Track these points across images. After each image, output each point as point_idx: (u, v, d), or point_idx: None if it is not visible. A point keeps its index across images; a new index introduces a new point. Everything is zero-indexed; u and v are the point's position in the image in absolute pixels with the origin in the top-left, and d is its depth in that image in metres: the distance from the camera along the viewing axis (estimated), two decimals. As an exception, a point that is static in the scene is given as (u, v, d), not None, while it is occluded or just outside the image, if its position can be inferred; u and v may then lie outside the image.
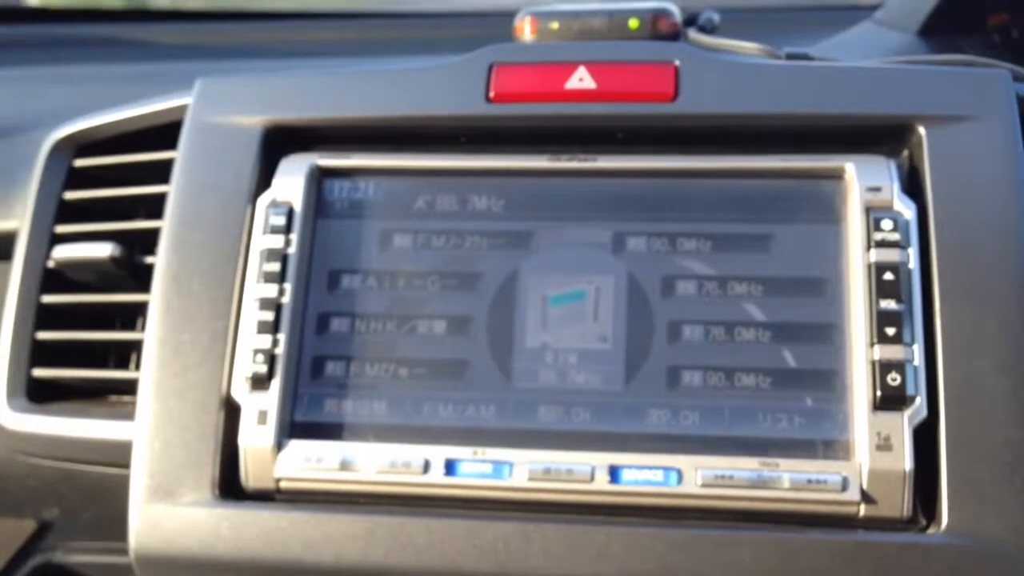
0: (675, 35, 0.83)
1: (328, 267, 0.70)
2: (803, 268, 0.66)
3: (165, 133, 0.79)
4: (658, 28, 0.82)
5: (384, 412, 0.67)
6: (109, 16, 1.32)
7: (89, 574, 0.94)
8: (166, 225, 0.71)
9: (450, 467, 0.64)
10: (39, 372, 0.79)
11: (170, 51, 1.26)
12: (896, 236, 0.64)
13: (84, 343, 0.80)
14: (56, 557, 0.92)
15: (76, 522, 0.90)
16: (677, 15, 0.83)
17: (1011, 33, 1.10)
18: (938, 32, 1.07)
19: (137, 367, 0.77)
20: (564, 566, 0.62)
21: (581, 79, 0.70)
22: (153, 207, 0.78)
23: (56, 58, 1.23)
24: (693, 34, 0.87)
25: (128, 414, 0.70)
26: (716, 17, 0.89)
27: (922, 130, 0.66)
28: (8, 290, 0.81)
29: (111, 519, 0.73)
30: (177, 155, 0.73)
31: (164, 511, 0.66)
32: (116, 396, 0.79)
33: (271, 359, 0.67)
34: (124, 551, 0.67)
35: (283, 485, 0.66)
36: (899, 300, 0.63)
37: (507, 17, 0.88)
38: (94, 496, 0.83)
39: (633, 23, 0.82)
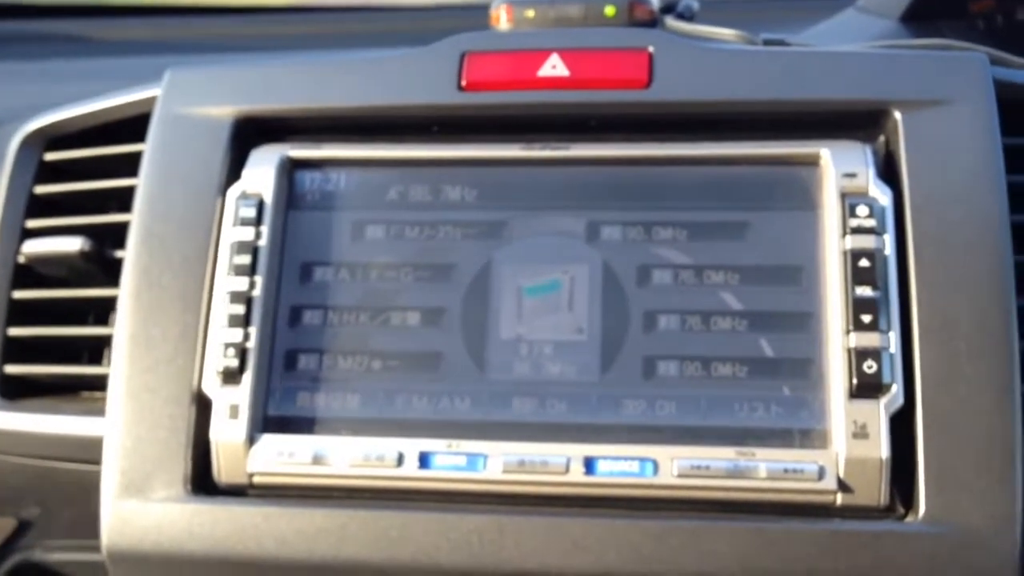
0: (652, 22, 0.82)
1: (300, 259, 0.69)
2: (779, 256, 0.65)
3: (136, 126, 0.78)
4: (635, 15, 0.81)
5: (357, 405, 0.66)
6: (78, 12, 1.30)
7: (69, 572, 0.93)
8: (135, 218, 0.71)
9: (424, 460, 0.64)
10: (10, 368, 0.78)
11: (140, 47, 1.24)
12: (872, 222, 0.63)
13: (56, 339, 0.79)
14: (35, 556, 0.91)
15: (55, 520, 0.89)
16: (654, 2, 0.82)
17: (995, 19, 1.09)
18: (921, 18, 1.07)
19: (110, 363, 0.76)
20: (539, 558, 0.61)
21: (554, 67, 0.70)
22: (124, 200, 0.77)
23: (24, 54, 1.22)
24: (671, 21, 0.87)
25: (101, 410, 0.69)
26: (695, 4, 0.89)
27: (898, 115, 0.66)
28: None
29: (90, 517, 0.72)
30: (146, 147, 0.73)
31: (136, 507, 0.65)
32: (89, 392, 0.78)
33: (242, 353, 0.66)
34: (102, 548, 0.67)
35: (256, 480, 0.65)
36: (875, 287, 0.62)
37: (482, 10, 0.87)
38: (72, 494, 0.82)
39: (610, 10, 0.81)
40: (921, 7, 1.06)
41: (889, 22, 1.08)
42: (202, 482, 0.66)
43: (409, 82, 0.71)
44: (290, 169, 0.71)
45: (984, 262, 0.62)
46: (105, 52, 1.24)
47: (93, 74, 1.11)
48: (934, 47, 0.75)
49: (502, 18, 0.83)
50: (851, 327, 0.61)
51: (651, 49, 0.70)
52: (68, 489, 0.81)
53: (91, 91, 0.85)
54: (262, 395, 0.67)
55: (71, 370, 0.78)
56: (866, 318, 0.61)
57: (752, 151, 0.67)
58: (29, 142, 0.83)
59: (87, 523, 0.77)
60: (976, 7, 1.10)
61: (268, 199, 0.69)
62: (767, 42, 0.78)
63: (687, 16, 0.88)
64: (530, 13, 0.82)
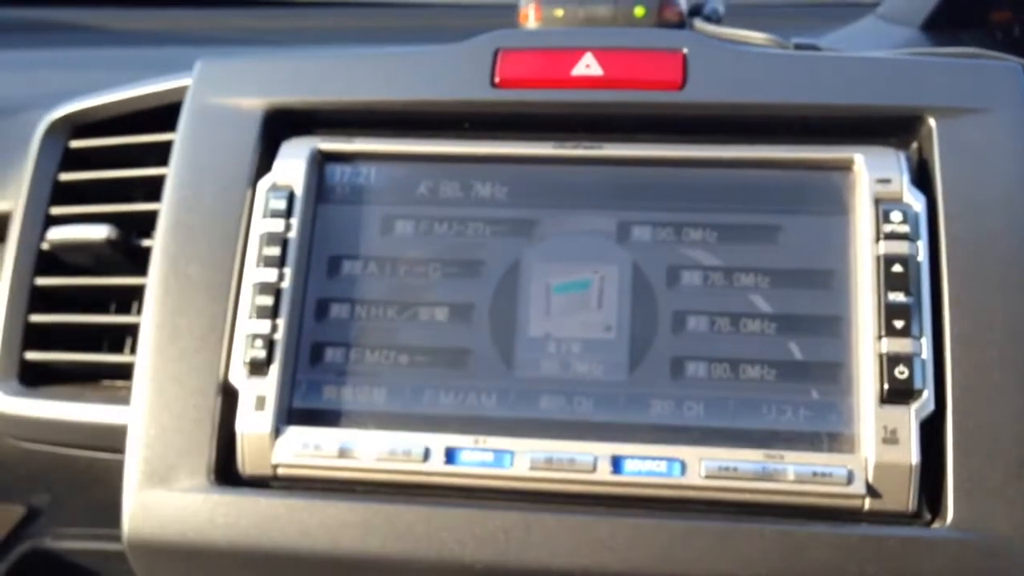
0: (681, 24, 0.82)
1: (328, 252, 0.69)
2: (810, 260, 0.65)
3: (163, 115, 0.78)
4: (664, 16, 0.81)
5: (384, 399, 0.66)
6: (102, 0, 1.30)
7: (78, 560, 0.93)
8: (164, 208, 0.70)
9: (451, 455, 0.64)
10: (31, 355, 0.78)
11: (165, 37, 1.24)
12: (905, 228, 0.63)
13: (78, 326, 0.78)
14: (45, 543, 0.91)
15: (66, 508, 0.89)
16: (683, 3, 0.82)
17: (1013, 31, 1.10)
18: (941, 27, 1.07)
19: (132, 351, 0.76)
20: (565, 557, 0.61)
21: (588, 66, 0.70)
22: (150, 189, 0.77)
23: (52, 42, 1.21)
24: (699, 23, 0.86)
25: (121, 399, 0.69)
26: (721, 7, 0.89)
27: (932, 122, 0.66)
28: (2, 272, 0.80)
29: (101, 505, 0.72)
30: (176, 137, 0.72)
31: (159, 497, 0.65)
32: (109, 380, 0.78)
33: (270, 344, 0.66)
34: (114, 537, 0.66)
35: (280, 472, 0.65)
36: (908, 293, 0.62)
37: (510, 8, 0.87)
38: (84, 482, 0.82)
39: (639, 11, 0.81)
40: (942, 16, 1.07)
41: (909, 30, 1.08)
42: (226, 473, 0.66)
43: (442, 77, 0.71)
44: (321, 162, 0.71)
45: (1017, 269, 0.62)
46: (129, 42, 1.23)
47: (116, 63, 1.10)
48: (966, 55, 0.75)
49: (531, 16, 0.83)
50: (883, 332, 0.61)
51: (685, 51, 0.69)
52: (80, 477, 0.81)
53: (114, 80, 0.85)
54: (288, 387, 0.66)
55: (92, 358, 0.78)
56: (898, 323, 0.61)
57: (785, 155, 0.67)
58: (55, 129, 0.83)
59: (97, 511, 0.77)
60: (995, 17, 1.10)
61: (298, 191, 0.69)
62: (798, 46, 0.78)
63: (714, 19, 0.88)
64: (559, 12, 0.82)
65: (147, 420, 0.66)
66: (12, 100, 0.94)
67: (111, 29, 1.27)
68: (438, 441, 0.64)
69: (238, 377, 0.66)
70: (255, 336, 0.66)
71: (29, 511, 0.91)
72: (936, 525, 0.60)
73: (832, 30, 1.13)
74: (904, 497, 0.60)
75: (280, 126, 0.72)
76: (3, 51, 1.20)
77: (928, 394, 0.60)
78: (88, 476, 0.80)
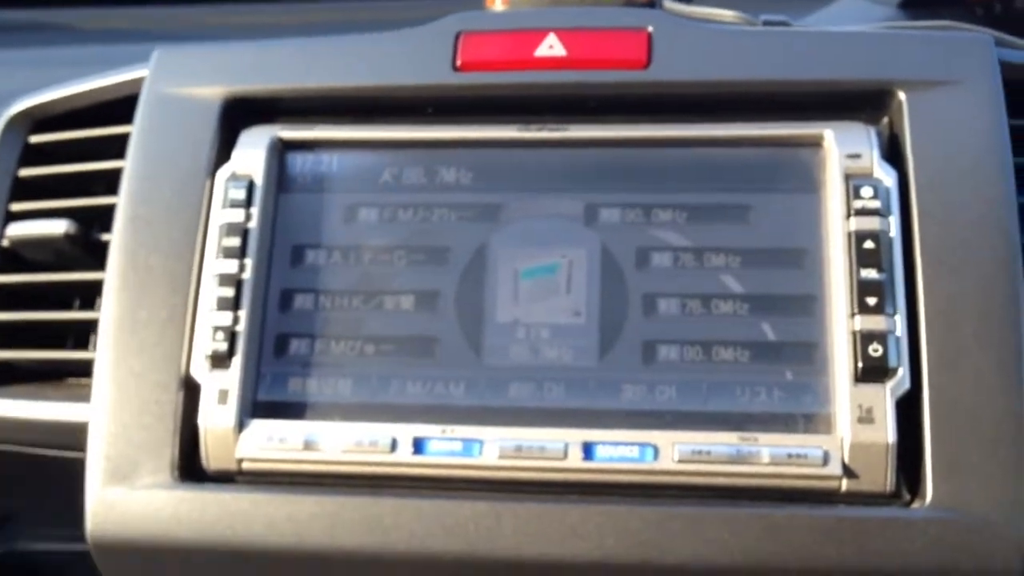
0: (651, 5, 0.80)
1: (291, 242, 0.68)
2: (782, 238, 0.64)
3: (123, 107, 0.76)
4: (633, -3, 0.79)
5: (350, 390, 0.65)
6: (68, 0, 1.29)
7: (54, 562, 0.92)
8: (121, 200, 0.69)
9: (418, 445, 0.62)
10: (-6, 354, 0.76)
11: (131, 35, 1.23)
12: (876, 204, 0.62)
13: (41, 324, 0.77)
14: (19, 546, 0.90)
15: (40, 510, 0.88)
16: (652, -17, 0.81)
17: (993, 7, 1.09)
18: (920, 5, 1.06)
19: (95, 348, 0.75)
20: (536, 545, 0.60)
21: (551, 46, 0.69)
22: (111, 183, 0.75)
23: (12, 42, 1.20)
24: (669, 3, 0.85)
25: (85, 396, 0.68)
26: (693, -13, 0.87)
27: (902, 95, 0.65)
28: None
29: (75, 506, 0.70)
30: (133, 128, 0.71)
31: (122, 494, 0.64)
32: (75, 378, 0.76)
33: (232, 336, 0.65)
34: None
35: (245, 466, 0.64)
36: (880, 269, 0.61)
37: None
38: (57, 483, 0.80)
39: (607, -8, 0.80)
40: (920, -7, 1.06)
41: (888, 8, 1.07)
42: (189, 468, 0.65)
43: (403, 62, 0.69)
44: (281, 150, 0.69)
45: (991, 243, 0.61)
46: (94, 40, 1.22)
47: (82, 61, 1.08)
48: (939, 28, 0.74)
49: (497, -1, 0.81)
50: (856, 310, 0.60)
51: (650, 29, 0.68)
52: (52, 478, 0.80)
53: (78, 77, 0.84)
54: (252, 380, 0.65)
55: (56, 355, 0.76)
56: (871, 301, 0.60)
57: (754, 132, 0.66)
58: (14, 124, 0.81)
59: (71, 513, 0.75)
60: (975, -6, 1.09)
61: (258, 181, 0.68)
62: (767, 23, 0.76)
63: (685, -1, 0.86)
64: (526, -6, 0.81)
65: (108, 416, 0.65)
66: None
67: (74, 27, 1.25)
68: (405, 431, 0.63)
69: (200, 370, 0.65)
70: (217, 328, 0.65)
71: (2, 514, 0.89)
72: (915, 505, 0.59)
73: (812, 11, 1.12)
74: (881, 477, 0.59)
75: (239, 115, 0.70)
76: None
77: (903, 372, 0.59)
78: (60, 477, 0.78)
